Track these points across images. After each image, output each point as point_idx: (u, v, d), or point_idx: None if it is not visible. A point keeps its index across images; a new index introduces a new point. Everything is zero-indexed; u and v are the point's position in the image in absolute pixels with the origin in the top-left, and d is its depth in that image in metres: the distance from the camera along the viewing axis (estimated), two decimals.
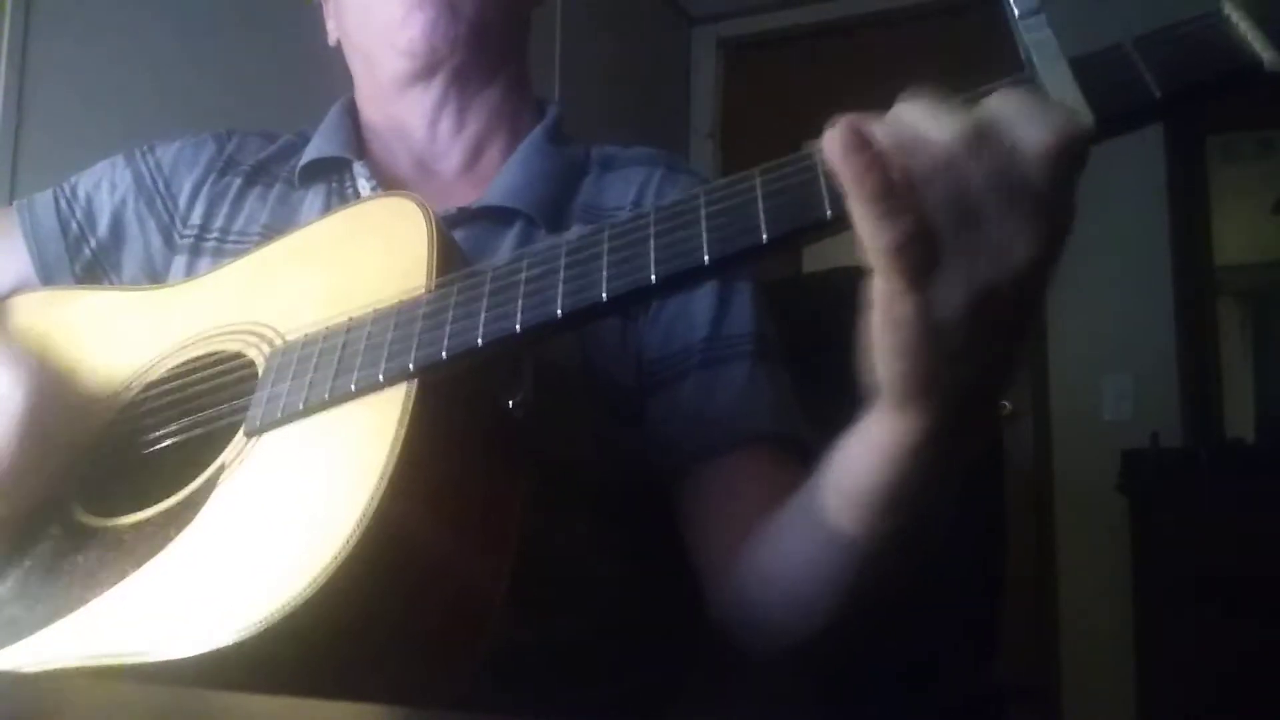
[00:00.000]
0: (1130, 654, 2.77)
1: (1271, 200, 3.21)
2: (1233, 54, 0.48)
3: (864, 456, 0.57)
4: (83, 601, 0.58)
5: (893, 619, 0.69)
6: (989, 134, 0.47)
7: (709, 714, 0.81)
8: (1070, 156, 0.47)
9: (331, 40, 0.96)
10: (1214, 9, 0.49)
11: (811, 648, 0.68)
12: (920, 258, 0.47)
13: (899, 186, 0.46)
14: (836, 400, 0.58)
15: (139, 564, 0.59)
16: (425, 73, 0.87)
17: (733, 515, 0.72)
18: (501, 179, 0.86)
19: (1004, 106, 0.48)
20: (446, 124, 0.89)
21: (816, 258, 0.96)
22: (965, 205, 0.46)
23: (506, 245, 0.82)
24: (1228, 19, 0.49)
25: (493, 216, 0.84)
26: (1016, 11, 0.51)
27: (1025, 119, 0.47)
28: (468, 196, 0.86)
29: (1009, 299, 0.47)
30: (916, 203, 0.47)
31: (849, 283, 0.51)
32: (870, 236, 0.47)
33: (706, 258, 0.52)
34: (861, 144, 0.47)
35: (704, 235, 0.53)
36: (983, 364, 0.50)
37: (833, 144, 0.47)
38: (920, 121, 0.48)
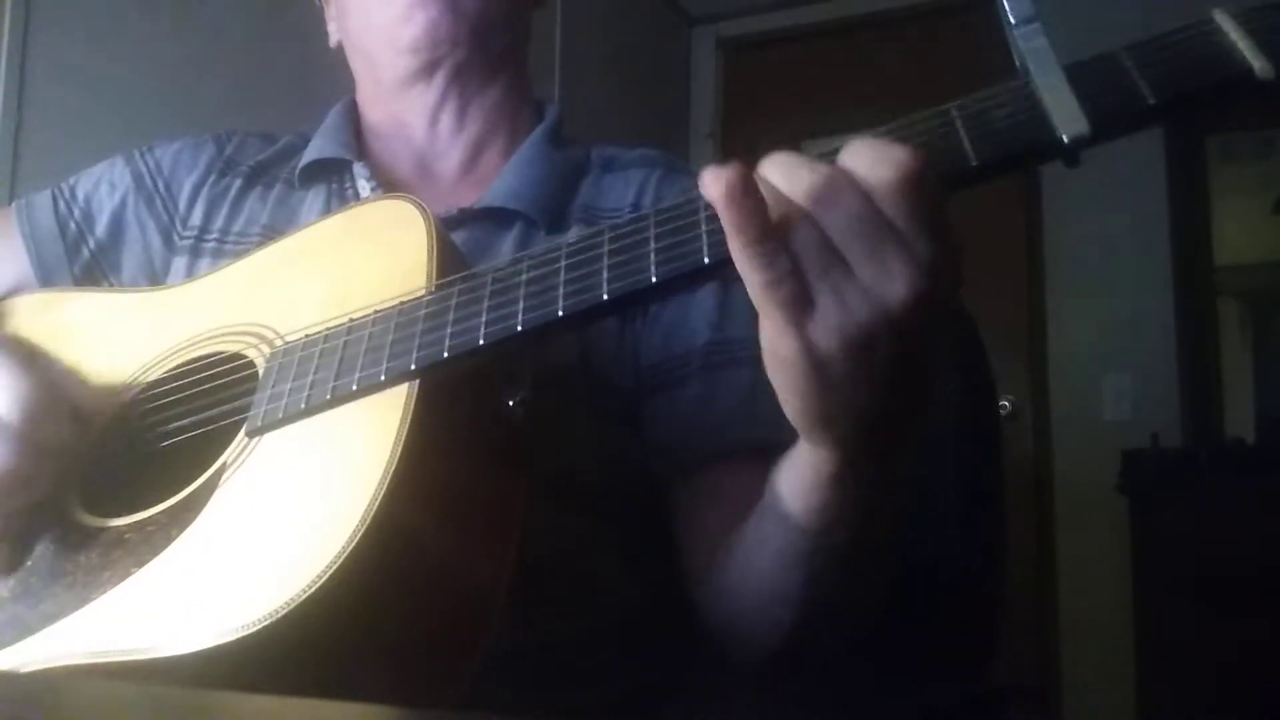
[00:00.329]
0: (1130, 654, 2.77)
1: (1271, 200, 3.21)
2: (1224, 62, 0.49)
3: (795, 482, 0.59)
4: (85, 601, 0.59)
5: (891, 618, 0.69)
6: (842, 181, 0.49)
7: (709, 714, 0.81)
8: (917, 190, 0.48)
9: (333, 42, 0.96)
10: (1206, 18, 0.50)
11: (785, 657, 0.69)
12: (794, 298, 0.49)
13: (774, 230, 0.49)
14: None
15: (141, 563, 0.59)
16: (426, 71, 0.87)
17: (722, 521, 0.72)
18: (501, 180, 0.86)
19: (851, 154, 0.50)
20: (446, 123, 0.89)
21: None
22: (830, 249, 0.49)
23: (506, 246, 0.82)
24: (1218, 28, 0.50)
25: (493, 218, 0.84)
26: (1012, 19, 0.52)
27: (870, 163, 0.49)
28: (468, 197, 0.86)
29: (888, 336, 0.49)
30: (790, 245, 0.49)
31: None
32: (748, 275, 0.50)
33: (707, 259, 0.53)
34: (749, 189, 0.49)
35: (704, 237, 0.53)
36: (877, 398, 0.52)
37: (719, 187, 0.49)
38: (783, 174, 0.50)
